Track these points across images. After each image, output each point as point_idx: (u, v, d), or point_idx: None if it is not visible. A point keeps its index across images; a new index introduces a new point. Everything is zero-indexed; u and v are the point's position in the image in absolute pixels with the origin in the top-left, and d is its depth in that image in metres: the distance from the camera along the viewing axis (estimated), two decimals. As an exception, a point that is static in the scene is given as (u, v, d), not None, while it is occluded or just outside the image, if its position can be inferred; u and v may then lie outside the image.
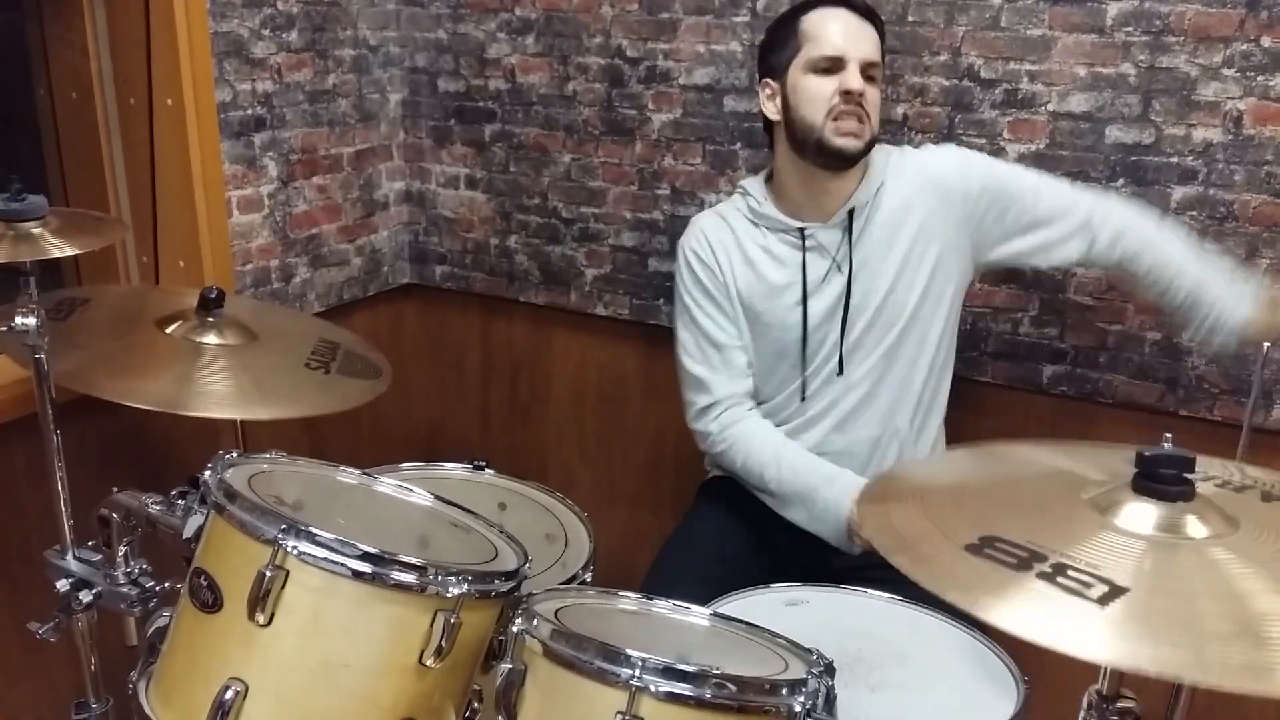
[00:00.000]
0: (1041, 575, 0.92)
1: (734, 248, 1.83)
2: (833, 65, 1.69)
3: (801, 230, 1.79)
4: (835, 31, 1.70)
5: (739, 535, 1.85)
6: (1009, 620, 0.88)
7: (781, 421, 1.86)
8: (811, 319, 1.80)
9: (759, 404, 1.87)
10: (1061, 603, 0.89)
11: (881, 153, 1.81)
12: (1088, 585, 0.90)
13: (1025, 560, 0.94)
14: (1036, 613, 0.89)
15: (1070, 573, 0.92)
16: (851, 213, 1.77)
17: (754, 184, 1.86)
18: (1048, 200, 1.77)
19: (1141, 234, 1.75)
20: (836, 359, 1.80)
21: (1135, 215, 1.77)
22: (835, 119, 1.69)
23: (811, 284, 1.79)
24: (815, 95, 1.70)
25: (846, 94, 1.67)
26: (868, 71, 1.70)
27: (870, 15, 1.73)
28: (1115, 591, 0.89)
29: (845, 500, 1.72)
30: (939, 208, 1.77)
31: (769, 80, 1.77)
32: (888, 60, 1.86)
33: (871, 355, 1.80)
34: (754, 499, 1.91)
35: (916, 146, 1.90)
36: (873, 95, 1.71)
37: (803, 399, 1.83)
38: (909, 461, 1.75)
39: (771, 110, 1.77)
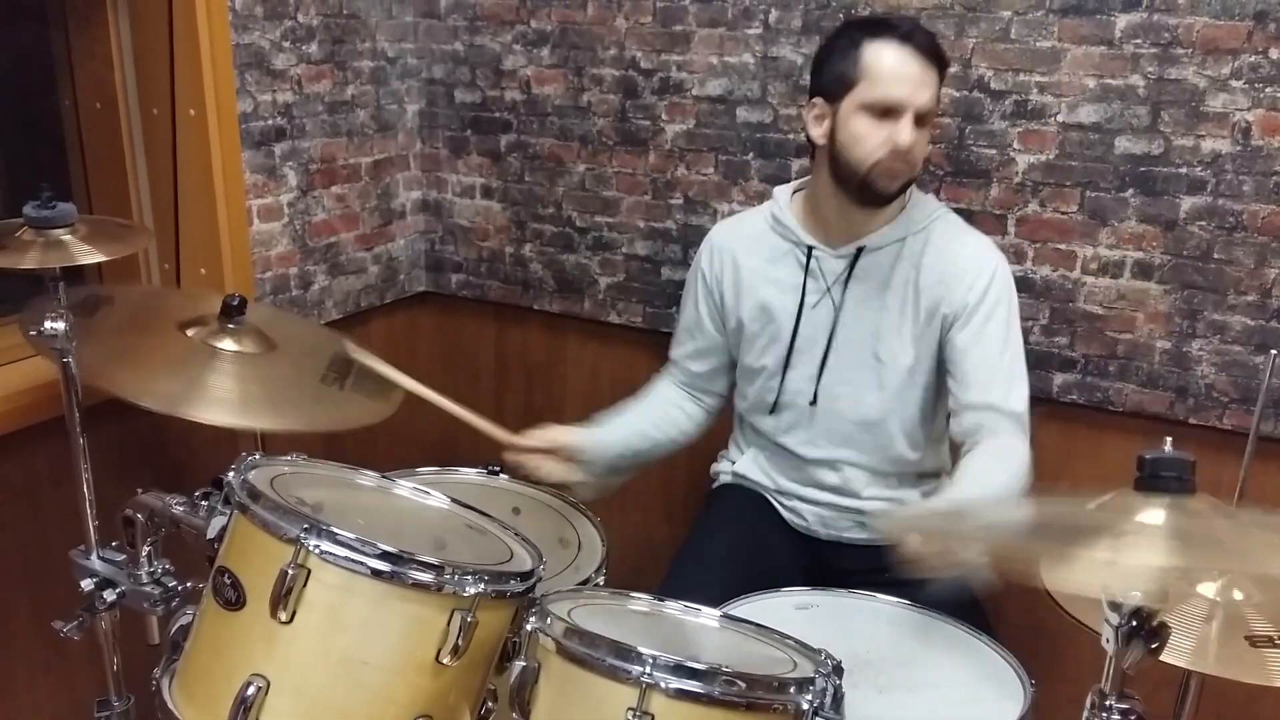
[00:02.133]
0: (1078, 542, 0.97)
1: (746, 250, 1.85)
2: (888, 111, 1.64)
3: (810, 249, 1.79)
4: (896, 77, 1.63)
5: (746, 545, 1.87)
6: (1074, 566, 0.93)
7: (760, 431, 1.91)
8: (801, 336, 1.81)
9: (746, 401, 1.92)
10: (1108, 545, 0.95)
11: (925, 208, 1.78)
12: (1121, 535, 0.96)
13: (1061, 535, 0.98)
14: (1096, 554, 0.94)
15: (1104, 537, 0.97)
16: (861, 250, 1.76)
17: (783, 193, 1.86)
18: (979, 391, 1.69)
19: (967, 476, 1.61)
20: (813, 390, 1.81)
21: (989, 473, 1.61)
22: (881, 166, 1.66)
23: (807, 304, 1.80)
24: (865, 139, 1.65)
25: (895, 149, 1.64)
26: (920, 117, 1.65)
27: (934, 55, 1.66)
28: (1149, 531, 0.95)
29: None
30: (942, 300, 1.73)
31: (820, 100, 1.71)
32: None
33: (849, 401, 1.80)
34: (760, 506, 1.93)
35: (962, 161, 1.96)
36: (922, 140, 1.66)
37: (772, 411, 1.86)
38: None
39: (817, 134, 1.72)
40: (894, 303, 1.76)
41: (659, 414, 1.95)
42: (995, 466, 1.61)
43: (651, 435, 1.92)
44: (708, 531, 1.91)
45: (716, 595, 1.53)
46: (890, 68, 1.63)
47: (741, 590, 1.61)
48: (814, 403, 1.81)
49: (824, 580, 1.68)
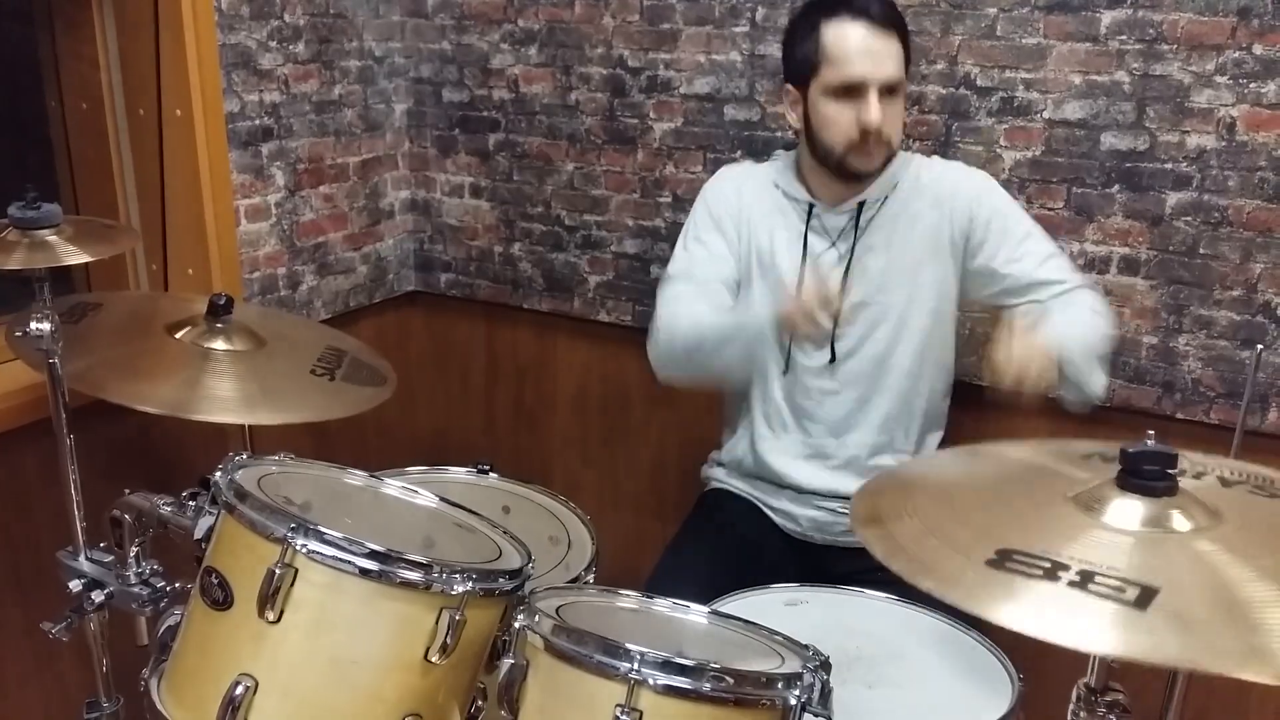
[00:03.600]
0: (1072, 584, 0.93)
1: (754, 195, 1.86)
2: (852, 90, 1.67)
3: (810, 206, 1.81)
4: (855, 52, 1.66)
5: (734, 548, 1.87)
6: (1066, 635, 0.89)
7: (769, 397, 1.88)
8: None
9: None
10: (1099, 609, 0.90)
11: (906, 159, 1.83)
12: (1121, 589, 0.92)
13: (1050, 570, 0.95)
14: (1081, 621, 0.90)
15: (1099, 579, 0.93)
16: (862, 205, 1.79)
17: (784, 155, 1.90)
18: (1035, 268, 1.77)
19: (1069, 320, 1.72)
20: (829, 345, 1.81)
21: (1084, 314, 1.74)
22: (854, 147, 1.69)
23: (811, 253, 1.81)
24: (834, 122, 1.69)
25: (864, 129, 1.67)
26: (889, 89, 1.68)
27: (892, 23, 1.69)
28: (1149, 593, 0.91)
29: (766, 311, 1.69)
30: (942, 222, 1.78)
31: (790, 87, 1.77)
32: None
33: (862, 355, 1.82)
34: (749, 511, 1.93)
35: (949, 158, 1.95)
36: (893, 114, 1.70)
37: (785, 371, 1.85)
38: (887, 473, 1.56)
39: (793, 119, 1.78)
40: (906, 250, 1.79)
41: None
42: (1083, 310, 1.74)
43: None
44: (693, 536, 1.91)
45: (701, 599, 1.53)
46: (849, 47, 1.67)
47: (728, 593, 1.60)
48: (833, 360, 1.82)
49: (813, 581, 1.67)
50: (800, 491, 1.88)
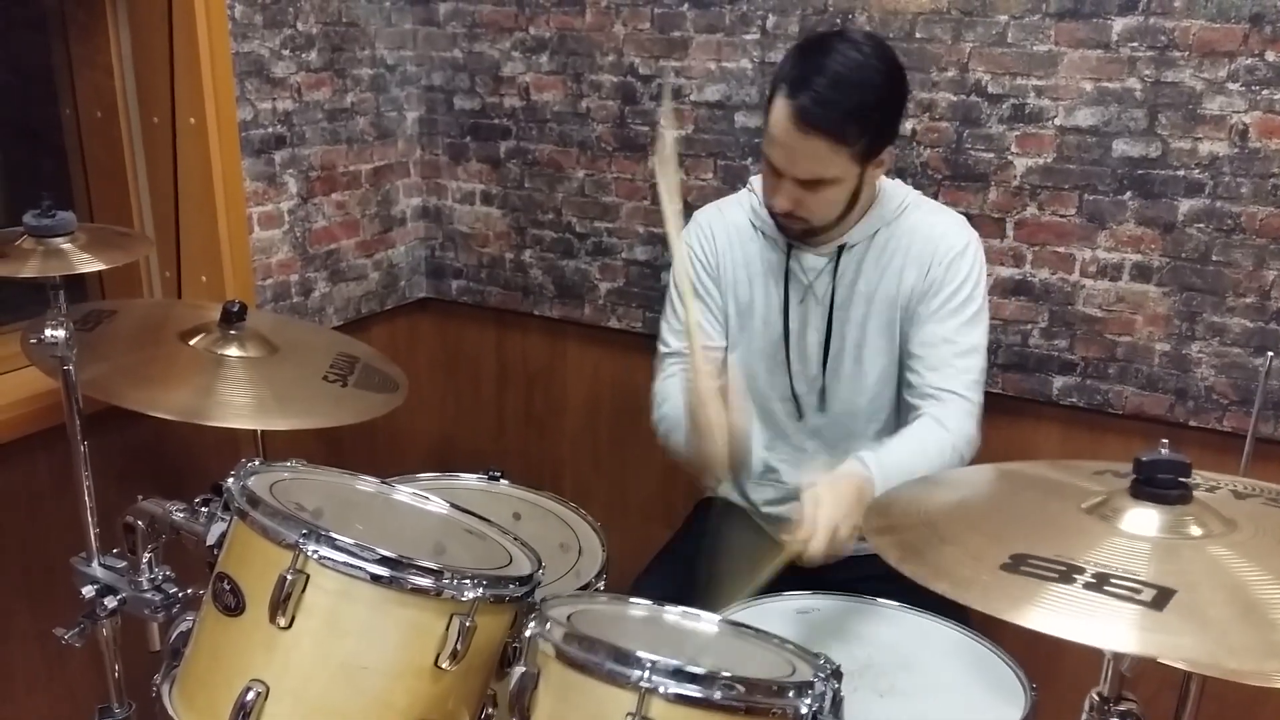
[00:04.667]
0: (1088, 586, 0.93)
1: (727, 242, 1.83)
2: (775, 168, 1.63)
3: (790, 245, 1.76)
4: (775, 139, 1.59)
5: (724, 558, 1.86)
6: (1082, 633, 0.89)
7: (780, 436, 1.87)
8: (792, 325, 1.79)
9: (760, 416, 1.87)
10: (1116, 609, 0.90)
11: (894, 198, 1.75)
12: (1137, 590, 0.92)
13: (1065, 573, 0.95)
14: (1098, 620, 0.90)
15: (1115, 581, 0.93)
16: (842, 249, 1.74)
17: (757, 182, 1.84)
18: (940, 364, 1.70)
19: (906, 448, 1.65)
20: (819, 392, 1.80)
21: (931, 449, 1.65)
22: (776, 214, 1.67)
23: (792, 296, 1.79)
24: (765, 185, 1.69)
25: (769, 207, 1.67)
26: (811, 182, 1.60)
27: (823, 127, 1.53)
28: (1165, 594, 0.90)
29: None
30: (915, 270, 1.71)
31: None
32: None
33: (846, 399, 1.80)
34: (744, 521, 1.92)
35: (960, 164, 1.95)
36: (816, 202, 1.62)
37: (800, 416, 1.83)
38: (900, 489, 1.45)
39: None
40: (882, 298, 1.74)
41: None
42: (920, 451, 1.62)
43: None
44: (684, 544, 1.91)
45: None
46: (773, 129, 1.59)
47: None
48: (823, 409, 1.80)
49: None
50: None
